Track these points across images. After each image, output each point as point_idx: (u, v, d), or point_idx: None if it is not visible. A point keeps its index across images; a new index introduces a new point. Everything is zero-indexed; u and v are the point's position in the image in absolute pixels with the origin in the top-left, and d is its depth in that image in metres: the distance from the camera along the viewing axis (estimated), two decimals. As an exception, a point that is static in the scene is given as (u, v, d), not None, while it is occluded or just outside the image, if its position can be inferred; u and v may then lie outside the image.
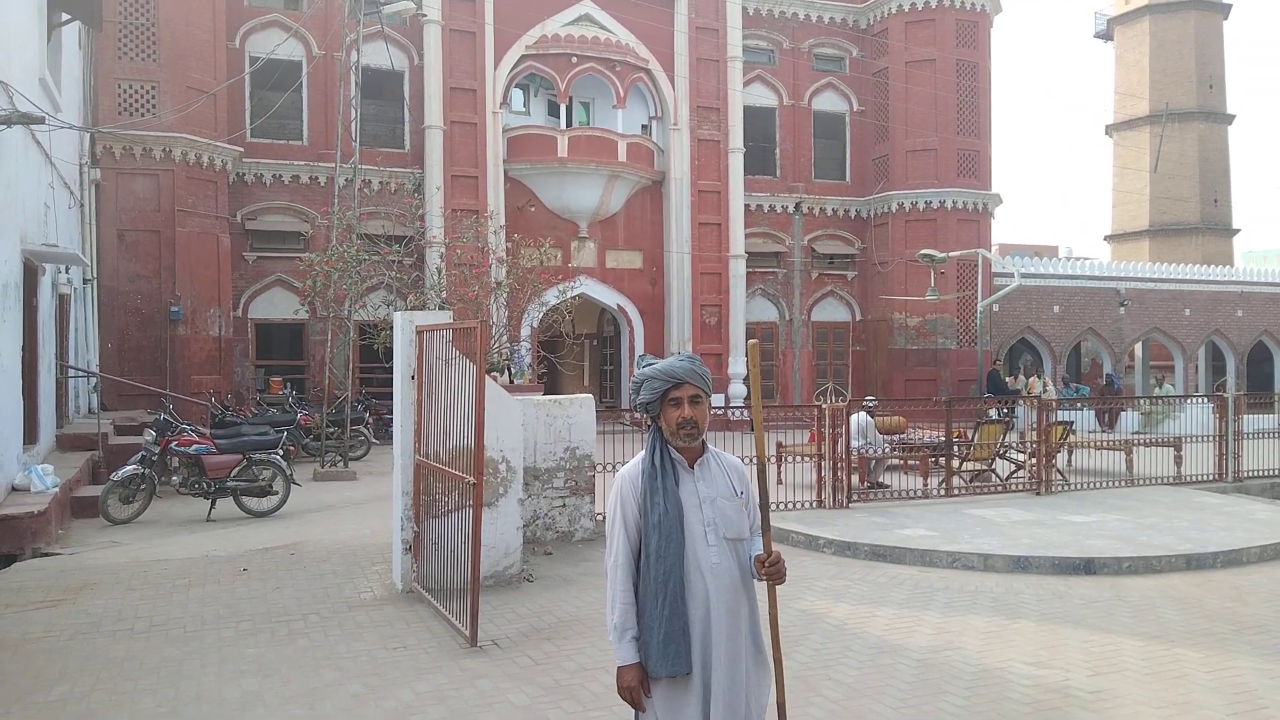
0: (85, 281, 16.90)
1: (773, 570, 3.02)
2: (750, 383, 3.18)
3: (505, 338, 13.52)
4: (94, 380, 16.82)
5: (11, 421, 10.05)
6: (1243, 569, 8.51)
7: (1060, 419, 13.32)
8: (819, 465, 11.13)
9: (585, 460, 9.18)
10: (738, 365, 24.17)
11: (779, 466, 12.28)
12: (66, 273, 14.42)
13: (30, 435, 11.29)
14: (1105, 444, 15.29)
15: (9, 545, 8.88)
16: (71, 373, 15.30)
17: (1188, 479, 13.15)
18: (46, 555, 9.09)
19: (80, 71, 16.78)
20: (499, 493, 7.56)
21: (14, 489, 9.91)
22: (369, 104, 20.99)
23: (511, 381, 11.55)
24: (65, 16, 13.62)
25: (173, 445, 11.33)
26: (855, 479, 11.69)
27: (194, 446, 11.37)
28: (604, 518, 7.36)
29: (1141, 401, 19.84)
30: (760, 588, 3.13)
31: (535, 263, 14.47)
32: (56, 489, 10.17)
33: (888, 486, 12.11)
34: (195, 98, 18.44)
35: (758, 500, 3.16)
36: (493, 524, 7.36)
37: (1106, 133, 45.04)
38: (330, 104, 20.93)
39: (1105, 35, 45.53)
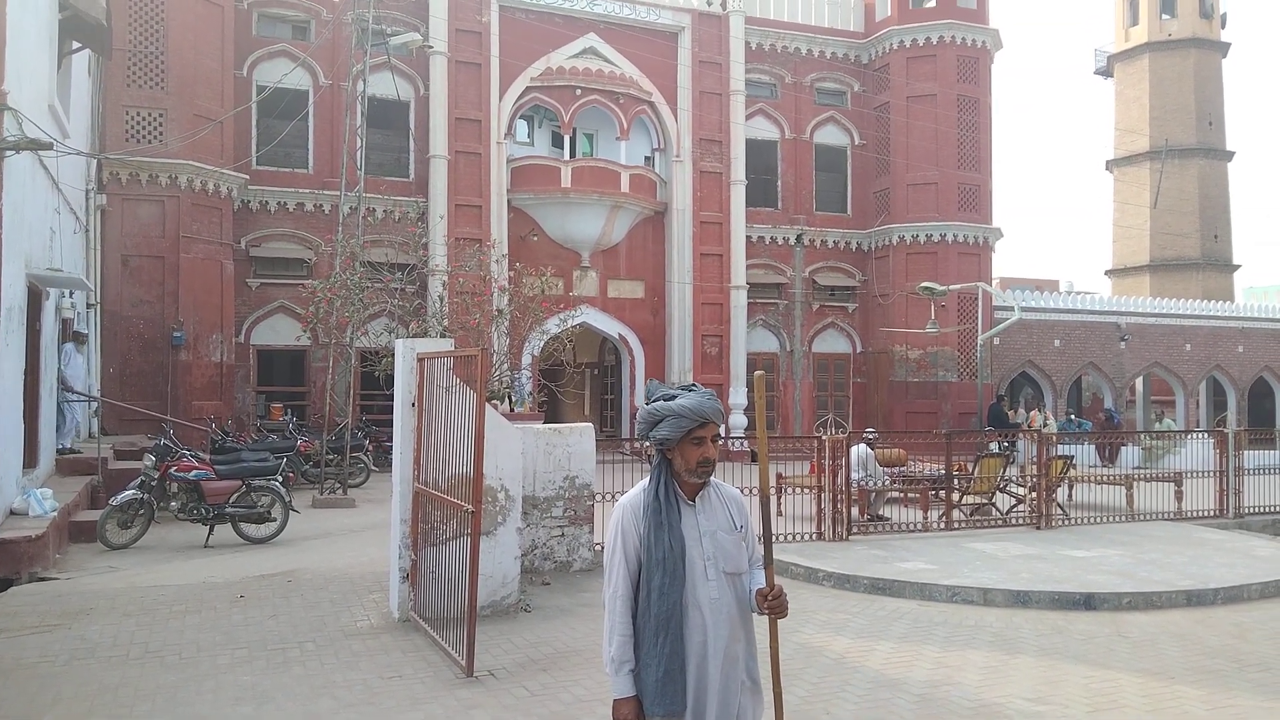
0: (89, 306, 16.95)
1: (775, 604, 3.01)
2: (756, 415, 3.17)
3: (506, 366, 13.54)
4: (95, 404, 16.82)
5: (12, 445, 10.05)
6: (1243, 606, 8.47)
7: (1061, 453, 13.31)
8: (819, 497, 11.11)
9: (584, 489, 9.17)
10: (738, 396, 24.14)
11: (779, 498, 12.25)
12: (70, 297, 14.47)
13: (30, 459, 11.28)
14: (1106, 479, 15.26)
15: (6, 569, 8.85)
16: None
17: (1188, 514, 13.12)
18: (43, 580, 9.06)
19: (89, 98, 16.93)
20: (497, 521, 7.54)
21: (12, 512, 9.88)
22: (374, 133, 21.13)
23: (512, 410, 11.57)
24: (76, 45, 13.77)
25: (172, 470, 11.32)
26: (855, 511, 11.66)
27: (193, 472, 11.36)
28: (603, 548, 7.33)
29: (1142, 436, 19.82)
30: (760, 620, 3.12)
31: (537, 292, 14.54)
32: (55, 513, 10.14)
33: (887, 519, 12.08)
34: (202, 125, 18.58)
35: (758, 533, 3.15)
36: (491, 553, 7.34)
37: (1107, 168, 45.25)
38: (336, 133, 21.09)
39: (1105, 72, 45.87)
